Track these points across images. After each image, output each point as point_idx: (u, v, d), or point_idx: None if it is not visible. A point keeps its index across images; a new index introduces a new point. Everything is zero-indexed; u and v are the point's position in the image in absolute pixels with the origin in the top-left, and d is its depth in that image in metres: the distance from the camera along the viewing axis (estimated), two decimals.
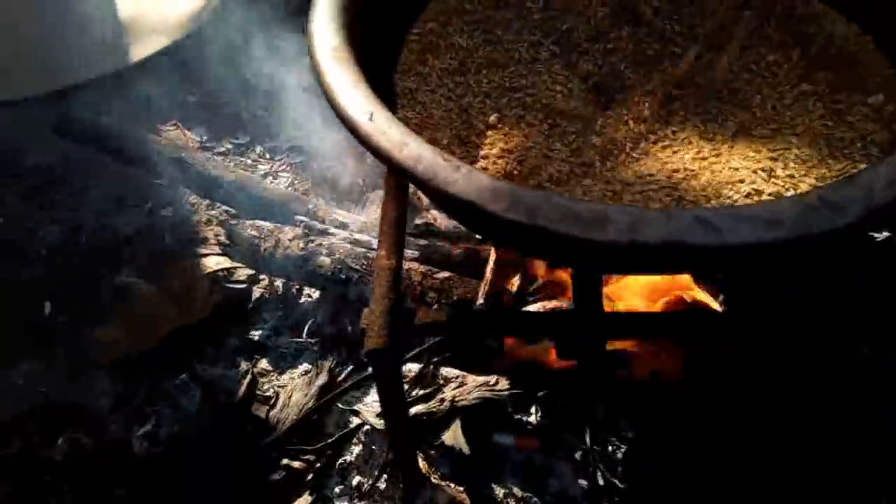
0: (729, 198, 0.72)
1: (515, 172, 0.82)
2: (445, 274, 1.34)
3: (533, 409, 1.22)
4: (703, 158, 0.80)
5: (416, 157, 0.71)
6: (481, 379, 1.23)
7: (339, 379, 1.34)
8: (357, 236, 1.44)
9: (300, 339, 1.41)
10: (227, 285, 1.49)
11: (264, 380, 1.38)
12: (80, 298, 1.55)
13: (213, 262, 1.52)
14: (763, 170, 0.77)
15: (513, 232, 0.68)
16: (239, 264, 1.50)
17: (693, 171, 0.78)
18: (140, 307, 1.50)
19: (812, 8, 0.96)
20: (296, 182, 1.75)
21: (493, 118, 0.87)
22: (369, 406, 1.28)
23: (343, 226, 1.48)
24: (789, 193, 0.73)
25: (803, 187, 0.74)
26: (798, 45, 0.92)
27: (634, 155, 0.83)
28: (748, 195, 0.72)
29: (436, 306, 1.30)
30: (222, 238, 1.48)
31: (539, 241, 0.68)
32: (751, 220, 0.57)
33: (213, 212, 1.65)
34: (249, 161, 1.84)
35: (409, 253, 1.40)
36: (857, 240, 1.12)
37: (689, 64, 0.92)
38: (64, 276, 1.59)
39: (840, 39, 0.91)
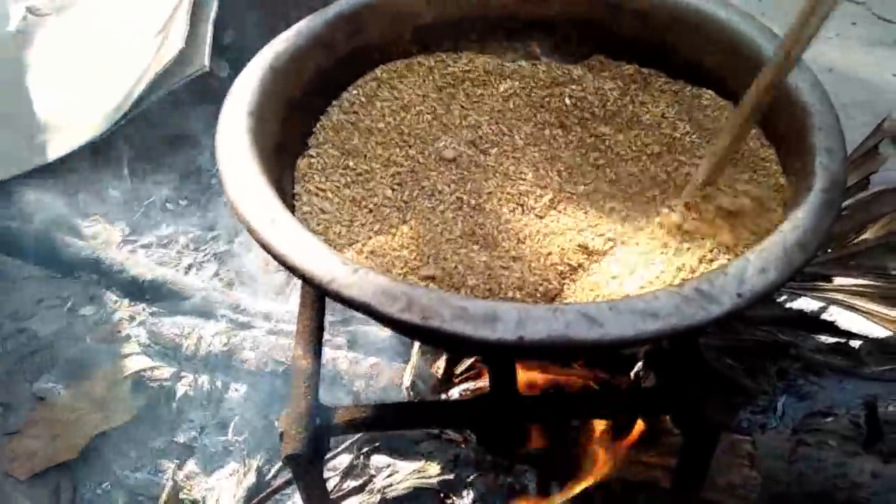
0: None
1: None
2: (372, 360, 1.34)
3: (465, 492, 1.21)
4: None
5: (314, 261, 0.72)
6: (412, 466, 1.22)
7: (269, 477, 1.30)
8: (282, 327, 1.43)
9: (227, 438, 1.38)
10: (150, 385, 1.45)
11: (192, 482, 1.33)
12: None
13: (135, 362, 1.48)
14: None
15: (411, 329, 0.69)
16: (161, 363, 1.47)
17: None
18: (60, 415, 1.45)
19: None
20: (220, 272, 1.74)
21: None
22: None
23: (267, 317, 1.47)
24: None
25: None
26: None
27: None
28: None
29: (363, 393, 1.29)
30: (143, 338, 1.45)
31: (435, 336, 0.69)
32: (630, 314, 0.59)
33: (134, 308, 1.63)
34: (173, 253, 1.82)
35: (335, 340, 1.40)
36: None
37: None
38: None
39: None
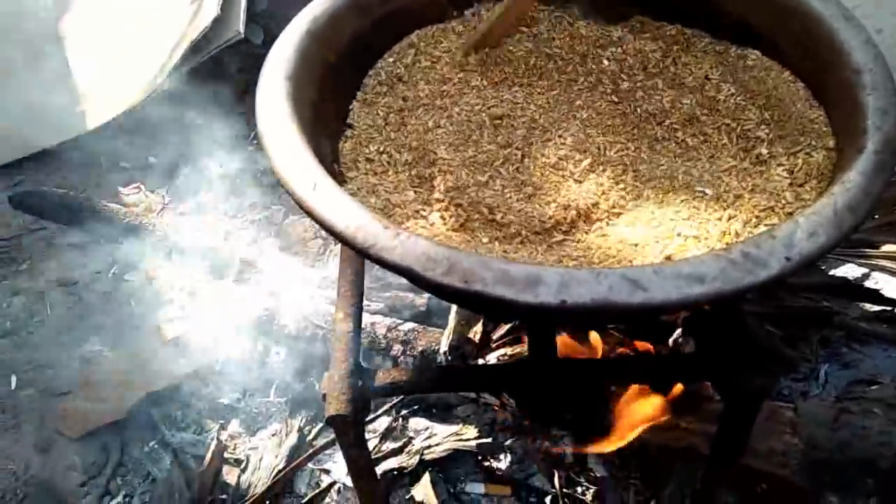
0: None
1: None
2: (410, 325, 1.34)
3: (502, 456, 1.22)
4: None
5: (357, 225, 0.72)
6: (449, 429, 1.23)
7: (310, 438, 1.33)
8: (320, 292, 1.45)
9: (268, 400, 1.41)
10: (193, 349, 1.48)
11: (236, 442, 1.37)
12: (46, 371, 1.53)
13: (178, 326, 1.51)
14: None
15: (452, 293, 0.69)
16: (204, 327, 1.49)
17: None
18: (107, 377, 1.49)
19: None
20: (258, 238, 1.76)
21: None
22: (340, 464, 1.27)
23: (306, 282, 1.49)
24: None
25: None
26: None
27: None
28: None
29: (401, 358, 1.30)
30: (186, 302, 1.47)
31: (476, 301, 0.69)
32: (674, 278, 0.58)
33: (176, 274, 1.66)
34: (212, 219, 1.84)
35: (373, 305, 1.41)
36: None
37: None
38: (29, 348, 1.57)
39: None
